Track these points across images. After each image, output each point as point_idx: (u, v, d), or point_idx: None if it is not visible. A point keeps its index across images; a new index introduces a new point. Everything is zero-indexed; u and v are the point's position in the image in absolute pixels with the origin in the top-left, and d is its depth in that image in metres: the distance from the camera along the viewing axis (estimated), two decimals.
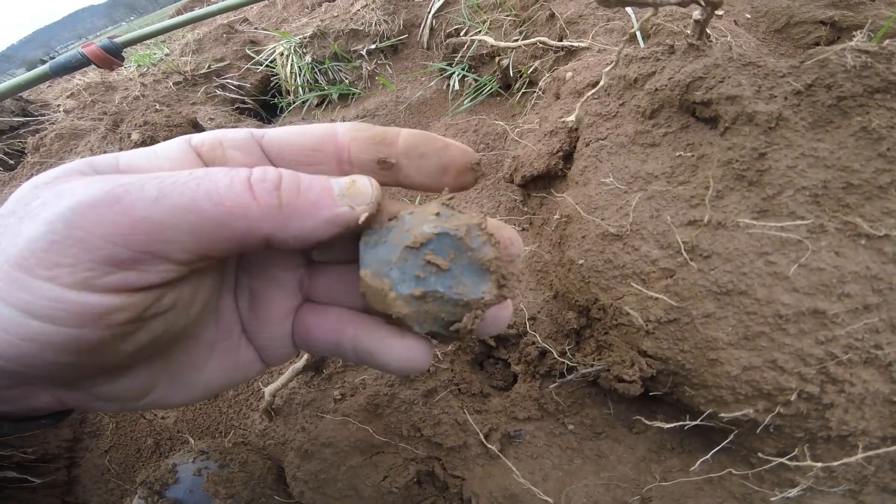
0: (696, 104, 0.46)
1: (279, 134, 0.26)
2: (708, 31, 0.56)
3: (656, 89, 0.49)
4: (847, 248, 0.37)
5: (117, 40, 0.90)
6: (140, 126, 0.79)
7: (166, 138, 0.84)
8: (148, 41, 1.67)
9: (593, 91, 0.53)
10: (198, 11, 0.83)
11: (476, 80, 1.17)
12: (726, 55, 0.47)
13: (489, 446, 0.54)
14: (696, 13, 0.49)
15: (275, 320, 0.29)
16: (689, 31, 0.51)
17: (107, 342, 0.20)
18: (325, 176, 0.24)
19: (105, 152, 1.01)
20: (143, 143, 0.78)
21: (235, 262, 0.29)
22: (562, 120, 0.57)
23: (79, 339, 0.19)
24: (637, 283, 0.41)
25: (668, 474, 0.43)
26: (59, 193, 0.19)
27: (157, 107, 0.82)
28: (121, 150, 0.89)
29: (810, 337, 0.36)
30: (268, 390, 0.64)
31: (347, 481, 0.54)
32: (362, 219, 0.23)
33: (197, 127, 0.80)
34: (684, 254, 0.39)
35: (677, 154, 0.45)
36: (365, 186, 0.23)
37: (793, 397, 0.36)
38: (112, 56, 0.89)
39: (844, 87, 0.40)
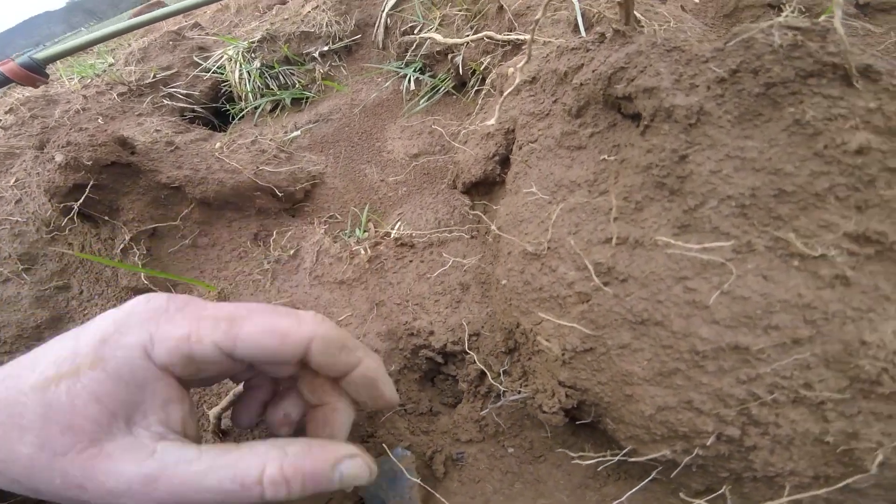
0: (620, 99, 0.40)
1: None
2: (639, 15, 0.51)
3: (581, 84, 0.44)
4: (777, 270, 0.33)
5: (38, 56, 0.85)
6: (63, 147, 0.74)
7: (90, 159, 0.79)
8: (90, 51, 1.60)
9: (509, 91, 0.48)
10: (119, 25, 0.78)
11: (431, 80, 1.13)
12: (650, 41, 0.40)
13: (433, 468, 0.51)
14: None
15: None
16: (616, 17, 0.47)
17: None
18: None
19: (38, 174, 0.96)
20: (68, 165, 0.73)
21: None
22: (485, 123, 0.53)
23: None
24: (554, 307, 0.37)
25: (604, 502, 0.40)
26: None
27: (83, 125, 0.77)
28: (47, 171, 0.84)
29: (731, 376, 0.32)
30: (212, 413, 0.61)
31: None
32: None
33: (125, 145, 0.75)
34: (595, 279, 0.35)
35: (602, 158, 0.41)
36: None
37: (710, 441, 0.32)
38: (34, 73, 0.84)
39: (773, 72, 0.34)
